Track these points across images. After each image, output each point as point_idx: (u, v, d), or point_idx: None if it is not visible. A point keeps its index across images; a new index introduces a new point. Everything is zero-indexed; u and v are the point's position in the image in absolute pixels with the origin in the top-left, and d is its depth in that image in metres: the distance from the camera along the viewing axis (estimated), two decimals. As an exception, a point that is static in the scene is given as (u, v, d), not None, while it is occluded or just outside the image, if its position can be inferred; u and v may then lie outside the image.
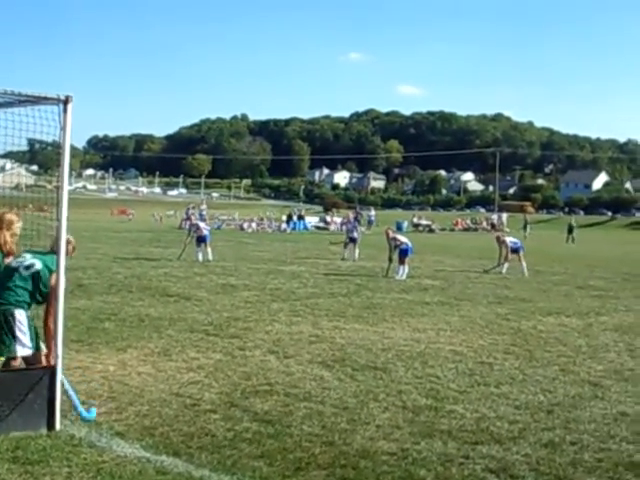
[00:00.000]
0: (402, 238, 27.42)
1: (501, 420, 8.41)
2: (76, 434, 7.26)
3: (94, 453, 6.74)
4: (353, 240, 33.78)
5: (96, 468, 6.35)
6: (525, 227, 71.82)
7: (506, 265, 28.13)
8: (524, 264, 28.00)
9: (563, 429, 8.13)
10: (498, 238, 30.06)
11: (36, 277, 7.79)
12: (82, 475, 6.16)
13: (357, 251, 33.28)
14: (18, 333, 7.63)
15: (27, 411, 7.19)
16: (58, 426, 7.36)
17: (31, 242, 9.85)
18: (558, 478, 6.63)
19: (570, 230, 65.65)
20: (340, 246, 35.04)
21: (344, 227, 36.11)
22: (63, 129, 7.37)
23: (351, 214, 42.61)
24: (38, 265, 7.83)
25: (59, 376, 7.48)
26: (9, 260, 8.13)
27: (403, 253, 25.99)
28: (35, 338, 7.81)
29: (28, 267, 7.85)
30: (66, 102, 7.31)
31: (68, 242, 8.09)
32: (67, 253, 7.99)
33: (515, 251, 28.53)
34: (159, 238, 45.46)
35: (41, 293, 7.81)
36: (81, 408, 7.85)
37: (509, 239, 29.55)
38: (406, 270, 25.36)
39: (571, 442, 7.67)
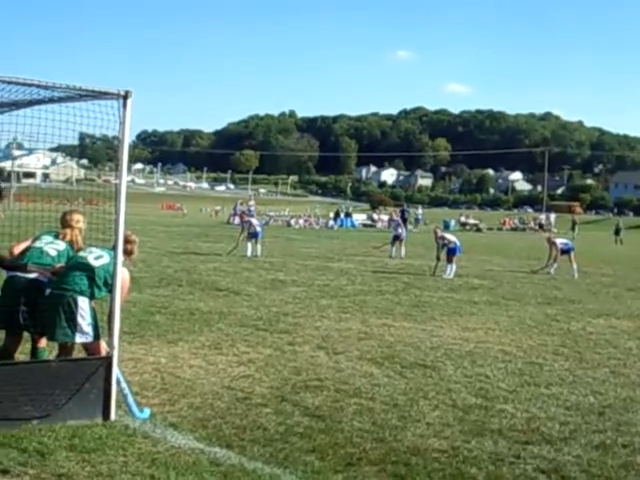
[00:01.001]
0: (450, 237, 27.38)
1: (552, 421, 8.38)
2: (130, 424, 7.37)
3: (149, 443, 6.84)
4: (398, 238, 33.64)
5: (151, 458, 6.44)
6: (573, 227, 71.15)
7: (555, 266, 27.94)
8: (575, 265, 27.68)
9: (614, 431, 8.08)
10: (549, 239, 29.87)
11: (104, 269, 7.96)
12: (137, 464, 6.25)
13: (403, 249, 33.25)
14: (79, 319, 7.78)
15: (83, 400, 7.31)
16: (113, 416, 7.48)
17: (85, 234, 10.04)
18: (610, 480, 6.61)
19: (617, 232, 64.88)
20: (387, 245, 34.89)
21: (391, 225, 35.86)
22: (122, 124, 7.46)
23: (396, 212, 42.34)
24: (106, 258, 8.02)
25: (115, 367, 7.60)
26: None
27: (451, 252, 25.94)
28: (96, 327, 7.96)
29: (97, 258, 8.06)
30: (126, 97, 7.41)
31: (131, 242, 8.47)
32: (129, 253, 8.31)
33: (566, 252, 28.27)
34: (207, 233, 45.75)
35: (106, 284, 7.94)
36: (135, 409, 7.89)
37: (559, 240, 29.39)
38: (454, 269, 25.31)
39: (623, 445, 7.62)
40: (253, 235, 29.63)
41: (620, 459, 7.17)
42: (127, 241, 8.27)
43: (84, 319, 7.82)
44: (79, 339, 7.89)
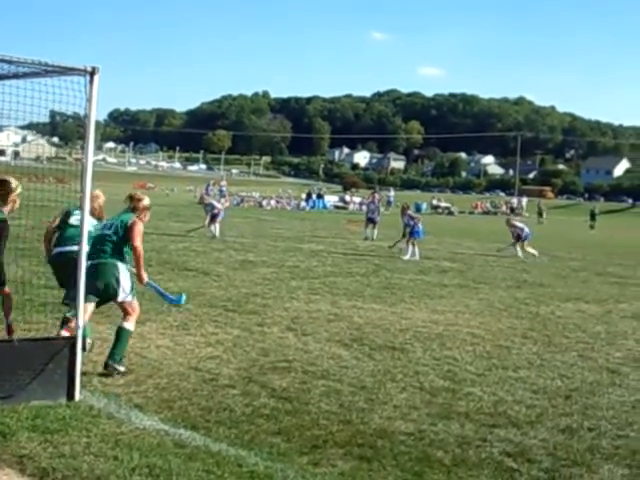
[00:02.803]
0: (417, 217, 27.65)
1: (519, 404, 8.39)
2: (95, 405, 7.30)
3: (113, 424, 6.77)
4: (373, 221, 33.82)
5: (115, 439, 6.37)
6: (540, 213, 71.64)
7: (519, 250, 28.14)
8: (525, 250, 28.08)
9: (581, 415, 8.11)
10: (508, 221, 30.39)
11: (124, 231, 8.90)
12: (101, 445, 6.18)
13: (375, 232, 33.32)
14: (122, 281, 8.73)
15: (47, 381, 7.22)
16: (77, 396, 7.39)
17: (54, 213, 9.94)
18: (575, 464, 6.61)
19: (593, 216, 65.27)
20: (360, 225, 34.93)
21: (364, 207, 35.81)
22: (89, 100, 7.36)
23: (376, 195, 42.14)
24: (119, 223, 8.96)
25: (79, 347, 7.51)
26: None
27: (414, 234, 25.94)
28: (132, 288, 8.89)
29: (110, 226, 9.04)
30: (93, 73, 7.32)
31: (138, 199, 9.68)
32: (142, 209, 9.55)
33: (522, 239, 28.40)
34: (179, 212, 45.52)
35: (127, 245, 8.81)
36: (170, 296, 10.21)
37: (519, 224, 29.55)
38: (416, 251, 25.32)
39: (589, 428, 7.65)
40: (214, 217, 29.34)
41: (586, 442, 7.19)
42: (136, 199, 9.55)
43: (126, 281, 8.81)
44: (121, 298, 8.77)
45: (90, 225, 8.65)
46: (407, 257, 24.87)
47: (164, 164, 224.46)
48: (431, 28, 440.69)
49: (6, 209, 8.55)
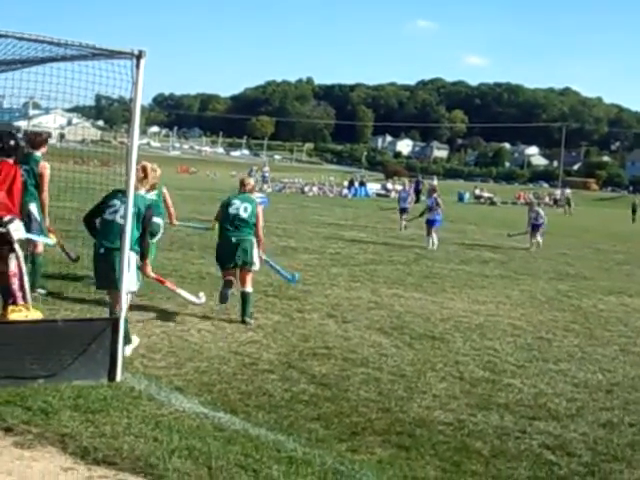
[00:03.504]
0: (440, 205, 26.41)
1: (559, 397, 8.34)
2: (136, 386, 7.35)
3: (153, 406, 6.82)
4: (404, 210, 32.71)
5: (155, 421, 6.42)
6: (569, 203, 71.25)
7: (535, 241, 27.34)
8: (538, 240, 27.33)
9: (622, 410, 8.04)
10: (531, 206, 30.23)
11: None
12: (141, 427, 6.23)
13: (403, 222, 32.02)
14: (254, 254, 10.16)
15: (89, 361, 7.29)
16: (119, 377, 7.45)
17: (99, 195, 10.01)
18: (615, 459, 6.56)
19: (634, 210, 64.51)
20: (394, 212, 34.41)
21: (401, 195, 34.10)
22: (135, 84, 7.39)
23: (407, 183, 41.37)
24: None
25: (122, 328, 7.56)
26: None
27: (430, 223, 25.30)
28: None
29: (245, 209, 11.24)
30: (139, 57, 7.33)
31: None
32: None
33: (536, 227, 27.41)
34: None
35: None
36: (285, 273, 12.46)
37: (541, 211, 28.74)
38: (434, 241, 24.78)
39: (630, 423, 7.58)
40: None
41: (626, 438, 7.13)
42: (246, 188, 11.96)
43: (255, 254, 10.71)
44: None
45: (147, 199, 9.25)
46: (430, 247, 24.42)
47: (207, 149, 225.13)
48: (476, 17, 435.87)
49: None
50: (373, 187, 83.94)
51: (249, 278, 11.27)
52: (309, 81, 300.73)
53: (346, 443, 6.40)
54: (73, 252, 11.76)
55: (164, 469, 5.45)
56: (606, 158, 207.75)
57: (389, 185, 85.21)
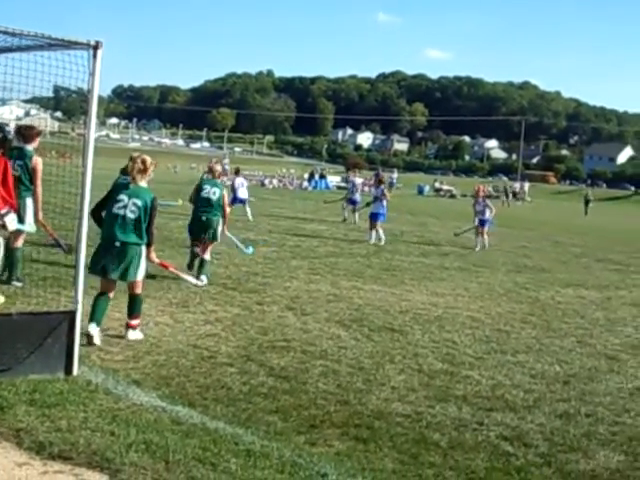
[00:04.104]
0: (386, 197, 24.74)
1: (516, 388, 8.40)
2: (93, 380, 7.29)
3: (110, 400, 6.77)
4: (352, 202, 31.97)
5: (112, 415, 6.37)
6: (507, 195, 72.03)
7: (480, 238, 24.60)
8: (485, 238, 24.59)
9: (578, 401, 8.12)
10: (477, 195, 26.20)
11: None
12: (98, 421, 6.18)
13: (356, 215, 31.22)
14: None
15: (46, 355, 7.21)
16: (76, 371, 7.39)
17: (55, 187, 9.91)
18: (572, 449, 6.62)
19: (587, 202, 65.00)
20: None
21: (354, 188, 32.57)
22: (92, 75, 7.31)
23: (354, 174, 40.00)
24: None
25: (79, 322, 7.50)
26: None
27: (374, 217, 24.05)
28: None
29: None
30: (96, 48, 7.25)
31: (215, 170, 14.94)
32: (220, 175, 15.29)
33: (482, 224, 24.65)
34: (180, 190, 45.42)
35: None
36: (241, 246, 15.70)
37: (490, 203, 25.62)
38: (381, 235, 23.52)
39: (586, 414, 7.65)
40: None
41: (583, 428, 7.20)
42: (214, 173, 14.82)
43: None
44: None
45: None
46: (373, 241, 23.36)
47: (167, 141, 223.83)
48: (437, 11, 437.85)
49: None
50: (333, 179, 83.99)
51: (209, 249, 14.06)
52: (269, 74, 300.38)
53: (304, 436, 6.40)
54: (65, 244, 11.64)
55: (121, 463, 5.41)
56: (564, 152, 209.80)
57: (350, 177, 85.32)
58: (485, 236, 24.52)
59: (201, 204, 14.06)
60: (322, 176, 79.88)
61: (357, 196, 32.50)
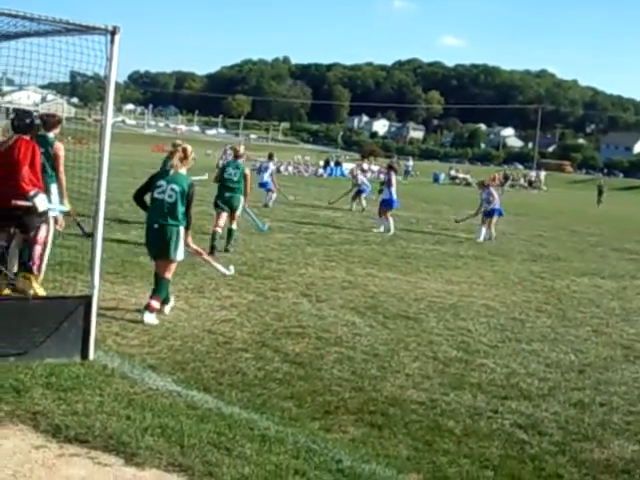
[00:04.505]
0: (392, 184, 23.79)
1: (531, 377, 8.40)
2: (109, 364, 7.33)
3: (126, 384, 6.81)
4: (360, 192, 31.58)
5: (128, 399, 6.40)
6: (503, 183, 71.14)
7: (484, 229, 23.32)
8: (492, 230, 23.55)
9: (593, 390, 8.11)
10: (481, 184, 25.87)
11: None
12: (114, 405, 6.21)
13: (364, 202, 31.10)
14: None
15: (62, 339, 7.26)
16: (92, 356, 7.43)
17: (71, 173, 9.94)
18: (586, 438, 6.62)
19: (600, 192, 64.17)
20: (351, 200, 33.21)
21: (359, 177, 32.01)
22: (109, 60, 7.31)
23: (357, 170, 38.95)
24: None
25: (95, 306, 7.53)
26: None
27: (385, 204, 23.53)
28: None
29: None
30: (114, 33, 7.25)
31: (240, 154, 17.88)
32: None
33: (490, 214, 23.55)
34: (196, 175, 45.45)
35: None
36: (258, 221, 18.98)
37: (495, 193, 24.51)
38: (390, 226, 22.83)
39: (601, 403, 7.65)
40: None
41: (597, 417, 7.20)
42: (237, 156, 17.74)
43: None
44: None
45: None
46: (381, 230, 22.89)
47: (183, 127, 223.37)
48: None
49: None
50: (349, 167, 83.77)
51: (236, 220, 16.57)
52: (285, 60, 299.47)
53: (319, 422, 6.43)
54: (87, 227, 11.69)
55: (136, 447, 5.44)
56: (581, 141, 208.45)
57: (365, 165, 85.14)
58: (492, 228, 23.44)
59: (224, 182, 16.43)
60: (337, 163, 79.78)
61: (364, 187, 31.96)
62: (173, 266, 9.87)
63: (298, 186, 46.57)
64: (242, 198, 16.57)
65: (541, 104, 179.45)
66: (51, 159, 10.78)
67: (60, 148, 10.80)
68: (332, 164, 78.11)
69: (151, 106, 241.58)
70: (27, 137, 9.09)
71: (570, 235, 27.75)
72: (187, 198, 9.62)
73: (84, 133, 10.96)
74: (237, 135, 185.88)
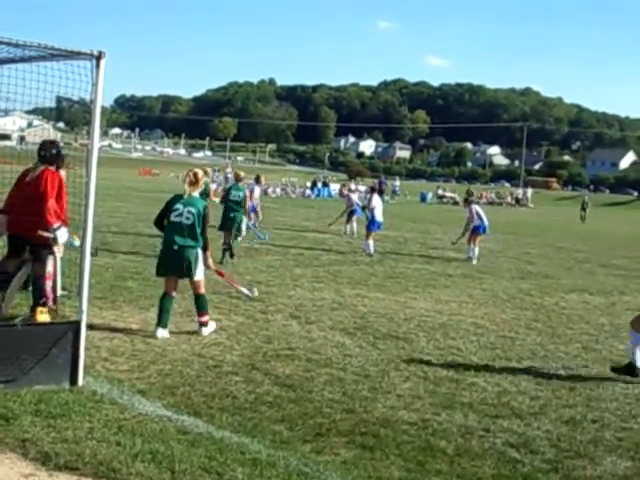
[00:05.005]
0: (377, 207, 23.32)
1: (522, 395, 8.39)
2: (98, 390, 7.29)
3: (116, 410, 6.77)
4: (352, 213, 30.56)
5: (117, 425, 6.36)
6: (467, 200, 70.19)
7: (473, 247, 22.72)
8: (475, 248, 22.73)
9: (585, 407, 8.10)
10: (467, 202, 25.42)
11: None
12: (104, 431, 6.18)
13: (354, 224, 30.15)
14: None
15: (51, 365, 7.21)
16: (81, 382, 7.39)
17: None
18: (578, 455, 6.60)
19: (584, 207, 63.87)
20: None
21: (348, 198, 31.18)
22: (95, 85, 7.32)
23: (347, 191, 38.22)
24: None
25: (83, 332, 7.49)
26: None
27: (370, 226, 22.90)
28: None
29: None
30: (99, 58, 7.27)
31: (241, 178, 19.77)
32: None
33: (476, 230, 23.06)
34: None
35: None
36: (259, 233, 21.73)
37: (480, 211, 24.00)
38: (371, 246, 22.31)
39: (592, 420, 7.64)
40: None
41: (589, 434, 7.18)
42: (239, 179, 19.65)
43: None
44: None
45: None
46: (368, 252, 22.14)
47: (169, 150, 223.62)
48: (438, 18, 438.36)
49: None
50: (336, 188, 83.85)
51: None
52: (271, 82, 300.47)
53: (310, 444, 6.40)
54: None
55: (127, 473, 5.41)
56: (567, 158, 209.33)
57: (352, 186, 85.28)
58: (475, 245, 22.72)
59: (229, 204, 18.58)
60: (325, 184, 79.90)
61: (356, 207, 30.66)
62: (202, 282, 10.38)
63: (285, 207, 46.58)
64: (244, 217, 19.10)
65: (526, 122, 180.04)
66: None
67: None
68: (319, 185, 78.16)
69: (137, 130, 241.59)
70: (53, 168, 9.15)
71: (557, 252, 27.80)
72: (202, 219, 10.11)
73: (70, 158, 10.95)
74: (224, 157, 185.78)
